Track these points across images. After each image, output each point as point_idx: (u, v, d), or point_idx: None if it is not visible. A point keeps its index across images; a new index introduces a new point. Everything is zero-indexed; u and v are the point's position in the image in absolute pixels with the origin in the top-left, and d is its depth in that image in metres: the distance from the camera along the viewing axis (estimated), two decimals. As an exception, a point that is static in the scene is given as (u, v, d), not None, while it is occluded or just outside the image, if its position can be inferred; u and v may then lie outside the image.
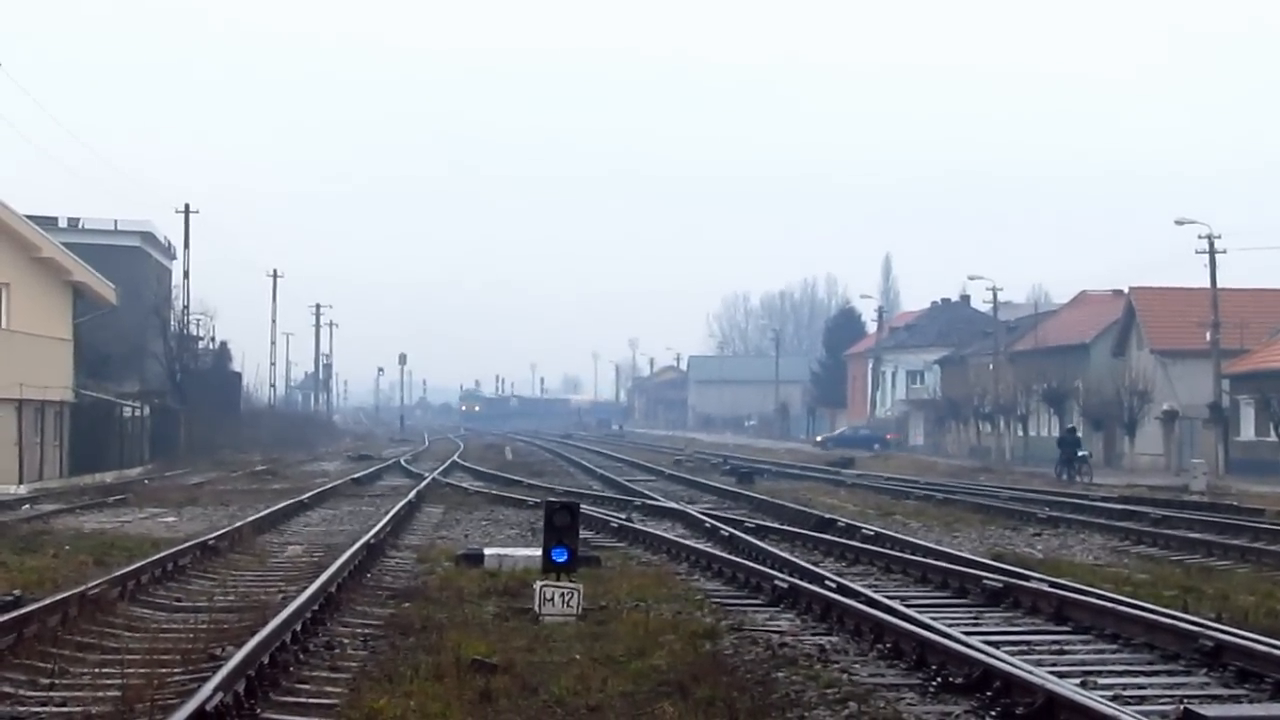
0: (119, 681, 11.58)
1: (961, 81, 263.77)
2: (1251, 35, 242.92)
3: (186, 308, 74.84)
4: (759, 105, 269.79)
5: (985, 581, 17.64)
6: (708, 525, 27.48)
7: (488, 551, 21.73)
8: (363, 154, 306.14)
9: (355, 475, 49.05)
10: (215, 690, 10.33)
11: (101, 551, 22.68)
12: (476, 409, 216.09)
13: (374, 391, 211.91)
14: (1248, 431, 64.42)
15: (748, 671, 12.63)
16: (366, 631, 14.77)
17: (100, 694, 11.42)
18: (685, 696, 11.34)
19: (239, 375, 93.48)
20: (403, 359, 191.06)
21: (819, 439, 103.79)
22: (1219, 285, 63.59)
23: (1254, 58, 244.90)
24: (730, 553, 22.66)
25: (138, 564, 18.95)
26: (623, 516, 30.05)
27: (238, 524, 26.71)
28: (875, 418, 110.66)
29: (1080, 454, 55.29)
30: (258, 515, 29.21)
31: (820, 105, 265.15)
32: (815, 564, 21.05)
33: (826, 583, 17.89)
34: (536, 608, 15.68)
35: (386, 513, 29.81)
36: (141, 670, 12.01)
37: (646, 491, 40.38)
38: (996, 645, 13.22)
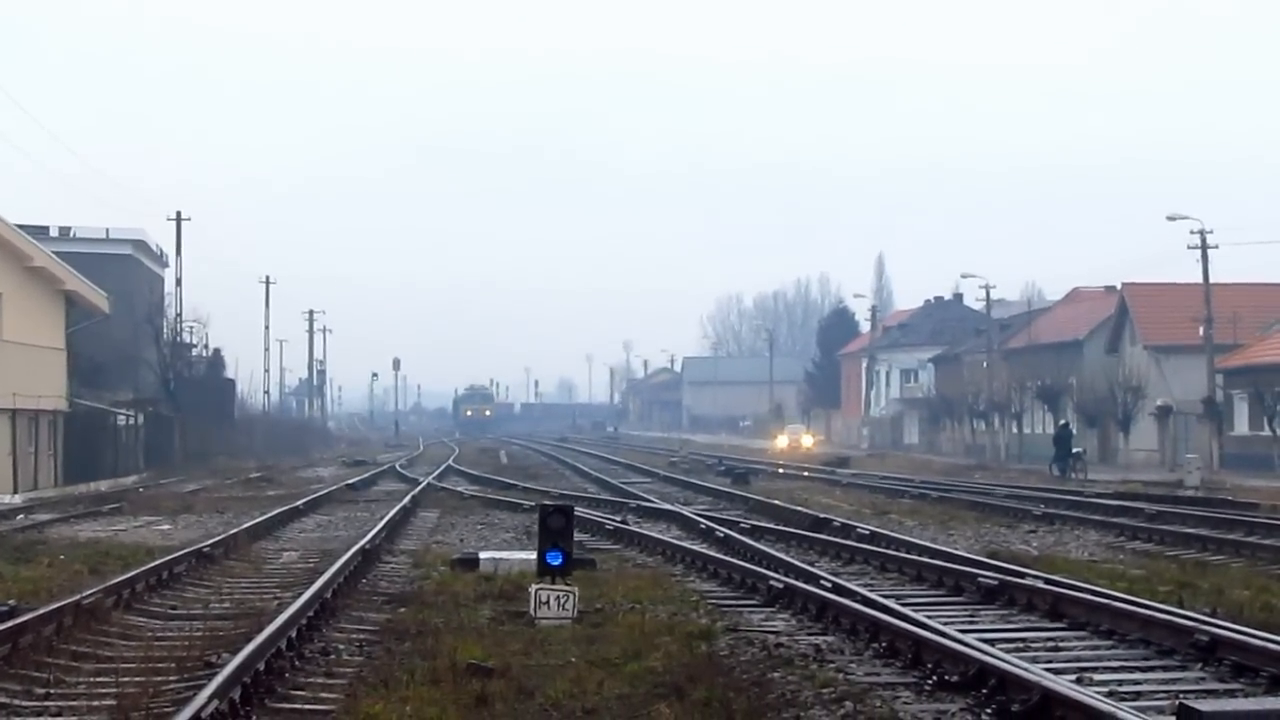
0: (114, 691, 11.57)
1: (951, 77, 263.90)
2: (1246, 26, 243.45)
3: (179, 315, 74.84)
4: (750, 104, 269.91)
5: (981, 579, 17.66)
6: (703, 526, 27.48)
7: (483, 555, 21.71)
8: (353, 158, 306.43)
9: (350, 481, 48.98)
10: (211, 698, 10.33)
11: (96, 560, 22.63)
12: (488, 414, 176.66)
13: (368, 397, 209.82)
14: (1241, 426, 64.49)
15: (744, 672, 12.64)
16: (362, 637, 14.76)
17: (96, 703, 11.42)
18: (681, 698, 11.34)
19: (233, 382, 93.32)
20: (396, 363, 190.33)
21: None
22: (1211, 280, 63.63)
23: (1248, 49, 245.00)
24: (725, 554, 22.65)
25: (133, 572, 18.91)
26: (618, 519, 30.04)
27: (233, 531, 26.70)
28: (870, 417, 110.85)
29: (1074, 450, 55.36)
30: (253, 522, 29.19)
31: (811, 103, 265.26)
32: (811, 564, 21.05)
33: (822, 582, 17.91)
34: (532, 611, 15.68)
35: (382, 518, 29.78)
36: (137, 679, 12.01)
37: (641, 493, 40.38)
38: (992, 643, 13.23)
